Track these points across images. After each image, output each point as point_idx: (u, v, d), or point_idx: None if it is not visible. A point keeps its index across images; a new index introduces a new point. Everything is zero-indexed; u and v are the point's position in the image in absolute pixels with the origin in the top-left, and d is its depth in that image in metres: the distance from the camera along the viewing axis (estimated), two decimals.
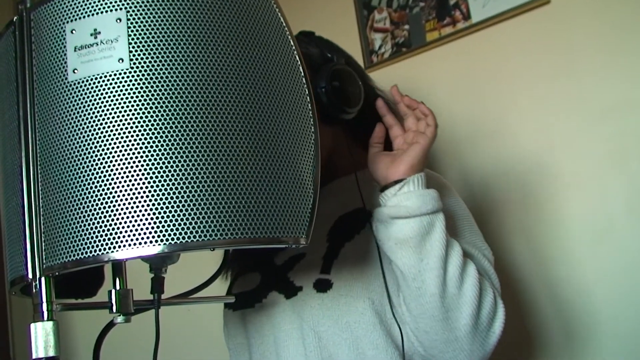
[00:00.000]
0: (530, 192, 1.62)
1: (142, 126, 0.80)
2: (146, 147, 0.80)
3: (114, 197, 0.79)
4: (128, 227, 0.78)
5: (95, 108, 0.82)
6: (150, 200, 0.79)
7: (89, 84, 0.82)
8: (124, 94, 0.81)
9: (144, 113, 0.81)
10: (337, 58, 1.27)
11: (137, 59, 0.82)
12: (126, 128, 0.80)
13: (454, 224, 1.24)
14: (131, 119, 0.81)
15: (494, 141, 1.67)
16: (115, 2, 0.83)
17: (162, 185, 0.79)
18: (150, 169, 0.80)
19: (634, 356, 1.45)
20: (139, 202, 0.79)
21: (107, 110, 0.81)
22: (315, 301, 1.19)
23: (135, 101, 0.81)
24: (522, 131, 1.63)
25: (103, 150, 0.80)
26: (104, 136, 0.81)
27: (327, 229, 1.27)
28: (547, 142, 1.60)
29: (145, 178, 0.79)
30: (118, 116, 0.81)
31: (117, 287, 0.93)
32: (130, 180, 0.79)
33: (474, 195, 1.69)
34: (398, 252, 1.11)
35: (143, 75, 0.82)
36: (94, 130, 0.81)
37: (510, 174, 1.64)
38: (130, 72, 0.82)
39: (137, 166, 0.80)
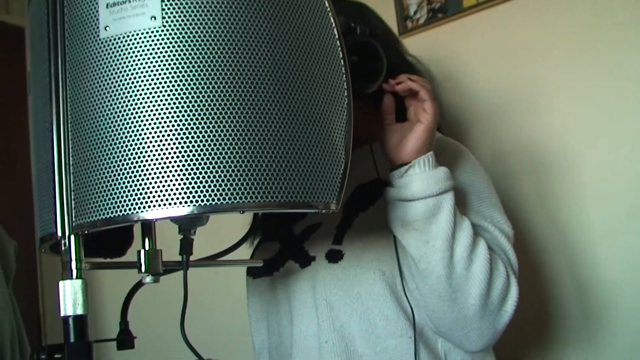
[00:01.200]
0: (562, 168, 1.59)
1: (173, 86, 0.79)
2: (177, 108, 0.79)
3: (144, 156, 0.79)
4: (158, 187, 0.78)
5: (127, 66, 0.81)
6: (181, 161, 0.78)
7: (121, 42, 0.81)
8: (155, 53, 0.80)
9: (175, 73, 0.80)
10: (360, 28, 1.21)
11: (169, 18, 0.81)
12: (157, 87, 0.79)
13: (469, 197, 1.21)
14: (163, 78, 0.80)
15: (528, 115, 1.64)
16: None
17: (194, 146, 0.78)
18: (182, 129, 0.79)
19: None
20: (170, 162, 0.78)
21: (139, 68, 0.80)
22: (327, 271, 1.19)
23: (167, 60, 0.80)
24: (557, 106, 1.60)
25: (134, 109, 0.80)
26: (135, 95, 0.80)
27: (345, 198, 1.25)
28: (582, 118, 1.56)
29: (177, 138, 0.78)
30: (150, 75, 0.80)
31: (146, 248, 0.93)
32: (161, 140, 0.79)
33: (503, 168, 1.66)
34: (404, 234, 1.10)
35: (175, 34, 0.81)
36: (125, 88, 0.80)
37: (543, 149, 1.62)
38: (162, 31, 0.81)
39: (168, 126, 0.79)
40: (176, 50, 0.80)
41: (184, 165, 0.78)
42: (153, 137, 0.79)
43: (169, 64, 0.80)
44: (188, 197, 0.78)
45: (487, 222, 1.18)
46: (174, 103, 0.79)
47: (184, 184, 0.78)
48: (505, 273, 1.11)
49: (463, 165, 1.24)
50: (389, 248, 1.16)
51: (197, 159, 0.78)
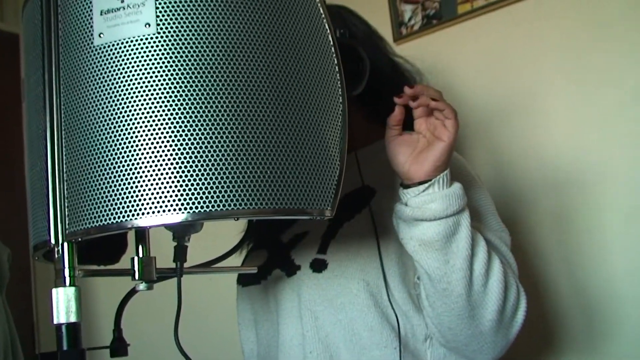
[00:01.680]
0: (560, 172, 1.59)
1: (167, 93, 0.79)
2: (172, 115, 0.79)
3: (138, 163, 0.78)
4: (152, 194, 0.78)
5: (121, 73, 0.80)
6: (175, 168, 0.78)
7: (115, 49, 0.81)
8: (150, 60, 0.80)
9: (170, 80, 0.80)
10: (338, 32, 1.17)
11: (164, 25, 0.81)
12: (152, 94, 0.79)
13: (470, 208, 1.18)
14: (157, 85, 0.79)
15: (524, 119, 1.64)
16: None
17: (188, 153, 0.78)
18: (176, 136, 0.78)
19: None
20: (164, 169, 0.78)
21: (133, 75, 0.80)
22: (312, 281, 1.18)
23: (161, 67, 0.80)
24: (553, 109, 1.60)
25: (128, 116, 0.79)
26: (129, 102, 0.80)
27: None
28: (578, 121, 1.57)
29: (171, 145, 0.78)
30: (144, 82, 0.80)
31: (140, 255, 0.93)
32: (155, 147, 0.78)
33: (502, 174, 1.66)
34: (423, 254, 1.05)
35: (170, 41, 0.81)
36: (119, 95, 0.80)
37: (540, 154, 1.62)
38: (156, 38, 0.81)
39: (162, 133, 0.79)
40: (171, 58, 0.80)
41: (177, 173, 0.78)
42: (147, 144, 0.79)
43: (164, 71, 0.80)
44: (182, 204, 0.77)
45: (490, 233, 1.17)
46: (169, 110, 0.79)
47: (178, 191, 0.77)
48: (516, 284, 1.10)
49: (461, 175, 1.21)
50: (373, 258, 1.15)
51: (191, 167, 0.78)
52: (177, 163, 0.78)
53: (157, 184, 0.78)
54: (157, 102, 0.79)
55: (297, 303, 1.19)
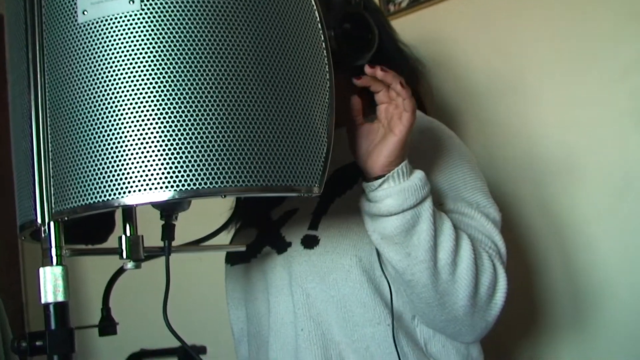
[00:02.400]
0: (549, 150, 1.59)
1: (153, 70, 0.79)
2: (158, 92, 0.78)
3: (125, 141, 0.78)
4: (139, 172, 0.77)
5: (105, 50, 0.80)
6: (162, 145, 0.77)
7: (99, 26, 0.80)
8: (134, 37, 0.79)
9: (155, 57, 0.79)
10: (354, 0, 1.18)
11: (148, 1, 0.80)
12: (137, 72, 0.79)
13: (454, 182, 1.18)
14: (142, 62, 0.79)
15: (514, 96, 1.64)
16: None
17: (174, 130, 0.78)
18: (162, 113, 0.78)
19: None
20: (151, 147, 0.77)
21: (118, 53, 0.79)
22: (303, 257, 1.17)
23: (146, 44, 0.79)
24: (542, 87, 1.60)
25: (113, 94, 0.79)
26: (114, 80, 0.79)
27: None
28: (567, 98, 1.57)
29: (157, 123, 0.78)
30: (129, 59, 0.79)
31: (128, 233, 0.93)
32: (141, 125, 0.78)
33: (491, 151, 1.66)
34: (385, 247, 1.06)
35: (155, 17, 0.80)
36: (104, 73, 0.79)
37: (529, 131, 1.62)
38: (141, 14, 0.80)
39: (148, 111, 0.78)
40: (155, 34, 0.79)
41: (164, 150, 0.78)
42: (133, 121, 0.78)
43: (148, 49, 0.79)
44: (169, 182, 0.77)
45: (472, 208, 1.16)
46: (154, 88, 0.78)
47: (165, 168, 0.77)
48: (492, 267, 1.09)
49: (446, 149, 1.21)
50: (366, 234, 1.14)
51: (178, 144, 0.78)
52: (163, 141, 0.78)
53: (143, 161, 0.77)
54: (142, 80, 0.78)
55: (288, 280, 1.19)
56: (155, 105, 0.78)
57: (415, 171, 1.06)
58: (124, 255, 0.91)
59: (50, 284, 0.81)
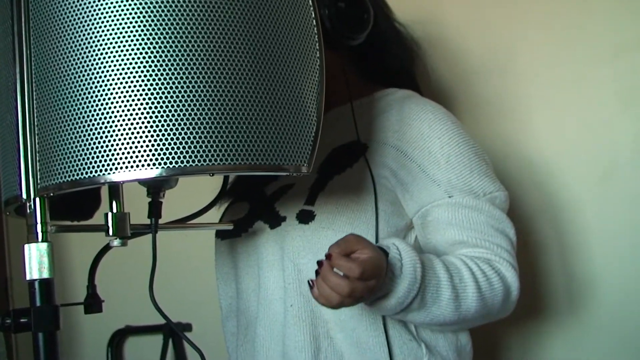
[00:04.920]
0: (536, 131, 1.59)
1: (140, 45, 0.78)
2: (145, 67, 0.77)
3: (111, 117, 0.77)
4: (126, 148, 0.76)
5: (93, 23, 0.78)
6: (149, 122, 0.77)
7: None
8: (122, 9, 0.78)
9: (142, 30, 0.78)
10: None
11: None
12: (124, 45, 0.78)
13: (458, 170, 1.16)
14: (129, 35, 0.78)
15: (503, 76, 1.64)
16: None
17: (162, 107, 0.77)
18: (151, 89, 0.77)
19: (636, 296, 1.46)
20: (138, 123, 0.77)
21: (106, 26, 0.78)
22: (297, 232, 1.17)
23: (135, 17, 0.78)
24: (531, 68, 1.60)
25: (100, 68, 0.78)
26: (101, 53, 0.78)
27: (319, 160, 1.23)
28: (556, 79, 1.56)
29: (144, 99, 0.77)
30: (116, 33, 0.78)
31: (114, 210, 0.92)
32: (128, 101, 0.77)
33: (481, 131, 1.66)
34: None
35: None
36: (92, 47, 0.78)
37: (518, 111, 1.62)
38: None
39: (136, 87, 0.77)
40: (143, 7, 0.78)
41: (152, 127, 0.77)
42: (121, 97, 0.77)
43: (136, 21, 0.78)
44: (156, 159, 0.76)
45: (480, 199, 1.16)
46: (142, 63, 0.77)
47: (152, 145, 0.76)
48: (501, 284, 1.11)
49: (444, 134, 1.18)
50: (363, 212, 1.14)
51: (165, 121, 0.77)
52: (150, 117, 0.77)
53: (130, 138, 0.77)
54: (130, 54, 0.77)
55: (280, 255, 1.18)
56: (144, 81, 0.77)
57: (395, 287, 1.03)
58: (110, 233, 0.91)
59: (36, 260, 0.81)
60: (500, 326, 1.47)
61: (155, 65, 0.77)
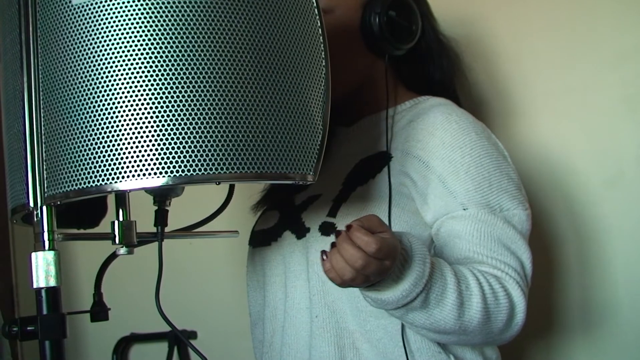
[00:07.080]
0: (542, 136, 1.59)
1: (148, 54, 0.78)
2: (152, 76, 0.78)
3: (118, 126, 0.77)
4: (132, 157, 0.77)
5: (100, 33, 0.79)
6: (155, 131, 0.77)
7: (93, 8, 0.80)
8: (129, 19, 0.79)
9: (150, 39, 0.78)
10: None
11: None
12: (132, 54, 0.78)
13: (479, 184, 1.13)
14: (137, 44, 0.78)
15: (510, 83, 1.64)
16: None
17: (169, 116, 0.77)
18: (157, 98, 0.77)
19: None
20: (145, 132, 0.77)
21: (112, 35, 0.79)
22: (320, 244, 1.16)
23: (141, 27, 0.78)
24: (536, 75, 1.60)
25: (108, 77, 0.78)
26: (109, 62, 0.78)
27: (347, 171, 1.23)
28: (561, 85, 1.56)
29: (151, 108, 0.77)
30: (123, 42, 0.78)
31: (120, 219, 0.92)
32: (135, 110, 0.77)
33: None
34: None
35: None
36: (98, 56, 0.79)
37: (523, 117, 1.62)
38: None
39: (143, 95, 0.77)
40: (150, 17, 0.79)
41: (159, 135, 0.77)
42: (127, 106, 0.78)
43: (143, 31, 0.78)
44: (163, 168, 0.77)
45: (495, 215, 1.13)
46: (150, 72, 0.78)
47: (159, 154, 0.77)
48: (507, 301, 1.07)
49: (466, 144, 1.16)
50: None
51: (172, 130, 0.77)
52: (157, 126, 0.77)
53: (137, 147, 0.77)
54: (138, 63, 0.78)
55: (306, 266, 1.18)
56: (150, 90, 0.77)
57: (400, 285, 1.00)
58: (117, 241, 0.91)
59: (42, 268, 0.81)
60: (526, 339, 1.47)
61: (163, 75, 0.78)
